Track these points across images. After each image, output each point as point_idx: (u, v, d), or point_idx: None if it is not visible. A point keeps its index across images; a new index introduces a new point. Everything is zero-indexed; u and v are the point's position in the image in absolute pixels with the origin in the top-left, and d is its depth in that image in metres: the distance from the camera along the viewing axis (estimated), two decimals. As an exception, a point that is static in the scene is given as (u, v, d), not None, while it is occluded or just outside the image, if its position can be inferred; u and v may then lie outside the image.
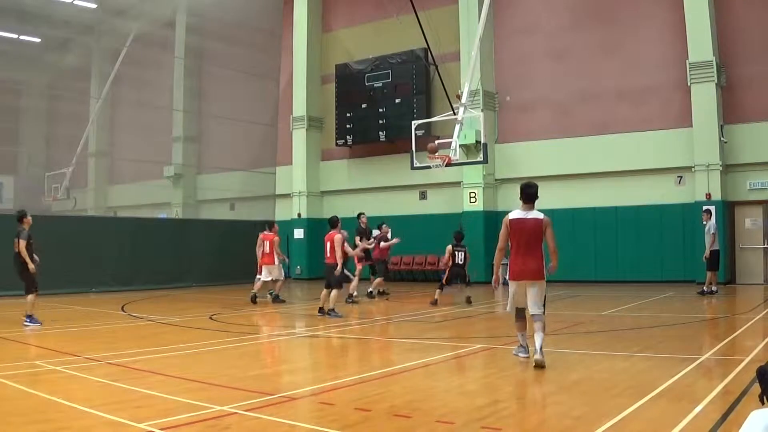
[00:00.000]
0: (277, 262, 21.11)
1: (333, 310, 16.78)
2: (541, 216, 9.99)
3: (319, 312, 16.97)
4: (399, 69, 31.07)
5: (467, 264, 20.14)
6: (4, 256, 23.40)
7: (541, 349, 9.50)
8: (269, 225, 21.99)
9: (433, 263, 29.56)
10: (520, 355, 10.22)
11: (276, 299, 21.04)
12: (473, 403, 7.50)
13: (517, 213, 10.07)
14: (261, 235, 21.65)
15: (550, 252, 10.05)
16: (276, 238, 21.27)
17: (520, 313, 10.24)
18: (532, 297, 9.85)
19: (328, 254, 17.08)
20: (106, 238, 26.63)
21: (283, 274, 21.61)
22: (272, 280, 21.13)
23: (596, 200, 26.88)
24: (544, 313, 9.86)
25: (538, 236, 9.97)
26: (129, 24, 35.05)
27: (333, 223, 17.71)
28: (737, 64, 24.46)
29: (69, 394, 7.90)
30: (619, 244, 26.43)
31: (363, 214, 22.20)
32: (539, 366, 9.35)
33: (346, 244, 17.35)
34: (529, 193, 10.05)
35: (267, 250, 21.09)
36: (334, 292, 16.89)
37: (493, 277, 10.42)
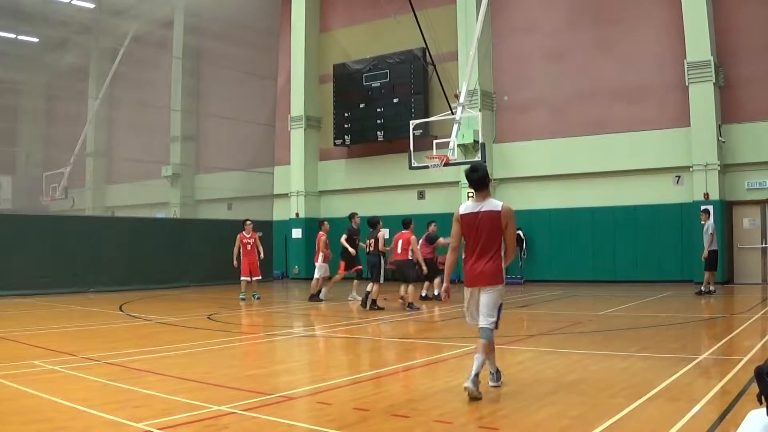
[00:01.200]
0: (320, 260, 21.44)
1: (412, 303, 18.24)
2: (498, 207, 7.93)
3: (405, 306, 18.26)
4: (397, 69, 31.10)
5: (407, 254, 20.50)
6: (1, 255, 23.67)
7: (476, 376, 7.63)
8: (319, 223, 22.86)
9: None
10: (491, 384, 8.20)
11: (314, 298, 21.38)
12: (471, 403, 7.49)
13: (468, 204, 8.19)
14: (240, 235, 22.01)
15: (506, 249, 8.05)
16: (324, 237, 21.66)
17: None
18: (482, 305, 8.05)
19: (399, 251, 18.61)
20: (104, 237, 26.70)
21: (323, 273, 21.65)
22: (323, 277, 21.62)
23: (594, 200, 26.91)
24: (496, 326, 8.06)
25: (494, 232, 7.95)
26: (127, 24, 35.01)
27: (406, 223, 19.30)
28: (735, 64, 24.51)
29: (67, 394, 7.89)
30: (617, 244, 26.46)
31: (356, 214, 22.14)
32: (471, 397, 7.55)
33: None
34: (474, 179, 8.07)
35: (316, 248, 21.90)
36: (411, 287, 18.51)
37: (444, 285, 8.52)
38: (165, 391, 8.03)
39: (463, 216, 8.10)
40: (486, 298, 8.02)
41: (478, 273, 7.99)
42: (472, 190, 8.19)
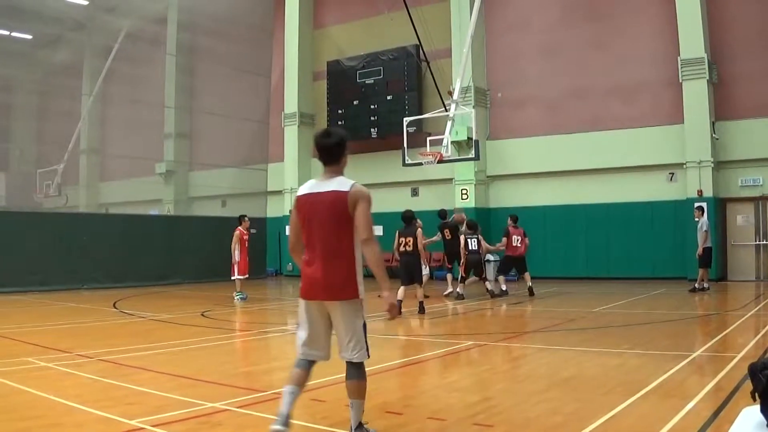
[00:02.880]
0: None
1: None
2: (346, 186, 5.79)
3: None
4: (391, 65, 31.06)
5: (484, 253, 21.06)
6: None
7: (359, 428, 5.84)
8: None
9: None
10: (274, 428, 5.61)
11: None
12: (465, 400, 7.50)
13: (310, 184, 6.05)
14: (239, 231, 20.93)
15: (361, 244, 5.78)
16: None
17: (308, 362, 6.04)
18: (339, 330, 5.84)
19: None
20: (97, 234, 26.60)
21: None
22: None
23: (588, 197, 26.90)
24: (367, 354, 5.87)
25: (340, 221, 5.73)
26: (120, 20, 34.97)
27: (515, 219, 21.27)
28: (729, 61, 24.51)
29: (60, 391, 7.88)
30: (610, 241, 26.46)
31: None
32: None
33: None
34: (324, 146, 5.97)
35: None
36: (501, 277, 20.77)
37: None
38: (158, 388, 8.02)
39: (300, 198, 5.98)
40: (341, 319, 5.80)
41: (319, 280, 5.75)
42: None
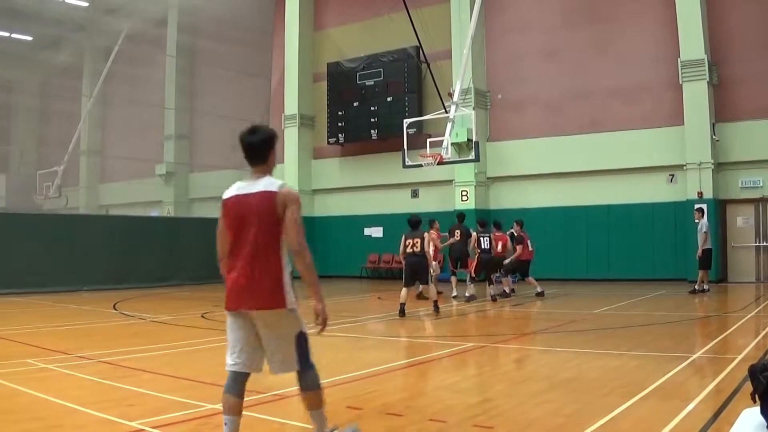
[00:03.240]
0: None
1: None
2: (274, 187, 5.32)
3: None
4: (391, 67, 31.07)
5: (505, 251, 20.80)
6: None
7: None
8: (430, 223, 20.13)
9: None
10: None
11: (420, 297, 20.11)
12: (465, 401, 7.50)
13: (237, 185, 5.54)
14: None
15: (290, 247, 5.32)
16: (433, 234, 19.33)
17: (236, 380, 5.55)
18: (272, 345, 5.47)
19: (499, 249, 20.12)
20: (97, 236, 26.59)
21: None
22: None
23: (588, 198, 26.90)
24: (305, 365, 5.64)
25: (268, 223, 5.26)
26: (121, 22, 35.02)
27: (521, 224, 21.69)
28: (729, 62, 24.51)
29: (60, 392, 7.87)
30: (611, 243, 26.46)
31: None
32: None
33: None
34: (250, 144, 5.55)
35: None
36: (505, 279, 21.27)
37: None
38: (158, 390, 8.02)
39: (226, 202, 5.50)
40: (266, 330, 5.40)
41: (243, 287, 5.28)
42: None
